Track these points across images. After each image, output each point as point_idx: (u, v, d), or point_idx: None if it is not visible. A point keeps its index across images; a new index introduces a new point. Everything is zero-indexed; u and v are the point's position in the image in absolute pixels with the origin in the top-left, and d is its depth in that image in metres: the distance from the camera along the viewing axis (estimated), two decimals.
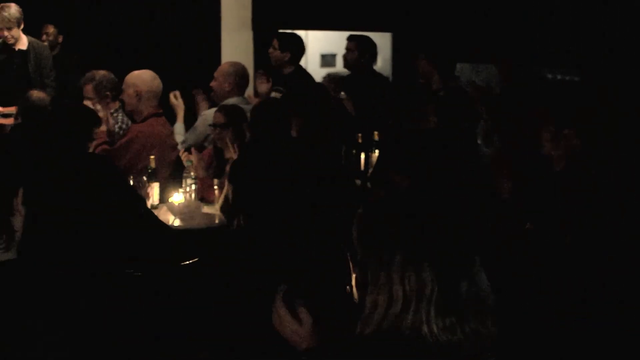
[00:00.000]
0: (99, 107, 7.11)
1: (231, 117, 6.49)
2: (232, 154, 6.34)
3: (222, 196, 6.06)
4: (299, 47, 8.35)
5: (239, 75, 7.62)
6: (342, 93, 7.80)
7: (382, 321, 2.26)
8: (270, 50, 8.27)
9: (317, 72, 10.31)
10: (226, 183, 5.93)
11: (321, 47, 12.39)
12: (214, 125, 6.58)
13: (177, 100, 7.56)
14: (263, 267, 4.36)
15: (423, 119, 5.89)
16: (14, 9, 8.54)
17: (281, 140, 5.68)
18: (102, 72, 7.23)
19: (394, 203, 2.45)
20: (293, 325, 2.50)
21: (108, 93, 7.22)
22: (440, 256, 2.26)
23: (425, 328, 2.22)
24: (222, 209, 6.01)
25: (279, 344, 2.56)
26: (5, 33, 8.54)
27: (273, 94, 7.80)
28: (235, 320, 4.41)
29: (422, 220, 2.33)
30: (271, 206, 5.00)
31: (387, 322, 2.25)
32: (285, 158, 5.43)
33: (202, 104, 7.85)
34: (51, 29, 9.66)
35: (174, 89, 7.62)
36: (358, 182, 6.64)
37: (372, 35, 8.94)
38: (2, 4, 8.53)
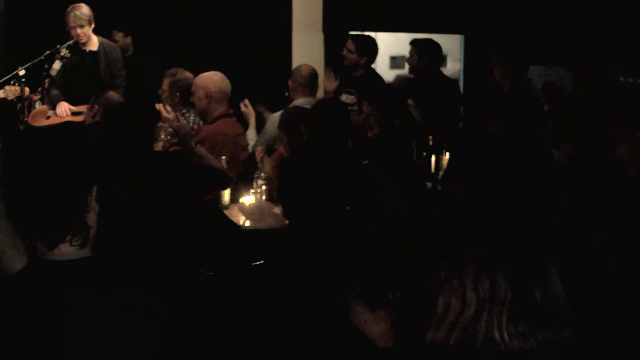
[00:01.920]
0: (168, 107, 7.21)
1: (283, 119, 6.47)
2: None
3: None
4: (375, 51, 8.36)
5: (305, 77, 7.64)
6: (410, 101, 7.75)
7: (454, 325, 2.24)
8: (345, 52, 8.26)
9: (386, 74, 10.29)
10: None
11: (390, 49, 12.37)
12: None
13: (247, 109, 7.63)
14: (334, 267, 4.36)
15: (488, 123, 5.83)
16: (84, 8, 8.68)
17: (339, 141, 5.68)
18: (185, 74, 7.41)
19: (468, 208, 2.45)
20: (372, 324, 2.50)
21: (177, 94, 7.37)
22: (515, 263, 2.24)
23: (497, 335, 2.20)
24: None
25: (352, 341, 2.57)
26: (78, 31, 8.65)
27: (344, 96, 7.82)
28: (306, 319, 4.42)
29: (496, 226, 2.31)
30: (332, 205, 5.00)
31: (460, 327, 2.24)
32: (345, 159, 5.44)
33: (266, 114, 7.89)
34: (119, 34, 9.75)
35: (245, 91, 7.68)
36: (429, 184, 6.62)
37: (444, 37, 8.89)
38: (72, 5, 8.68)
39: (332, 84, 8.17)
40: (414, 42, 8.58)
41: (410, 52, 8.51)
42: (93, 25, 8.76)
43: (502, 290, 2.21)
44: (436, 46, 8.54)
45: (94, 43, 8.84)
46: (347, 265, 3.57)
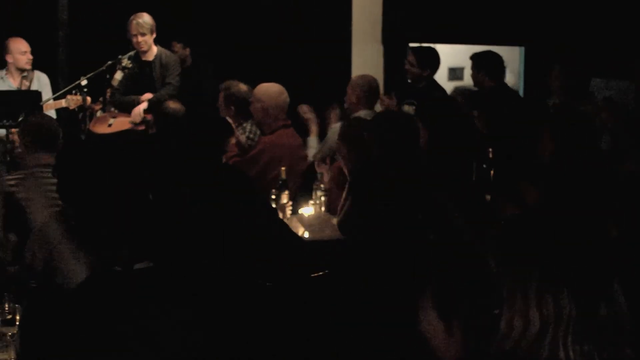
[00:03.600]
0: (228, 119, 7.27)
1: (344, 131, 6.44)
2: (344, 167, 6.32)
3: (341, 211, 6.04)
4: (437, 62, 8.34)
5: (368, 89, 7.62)
6: (475, 112, 7.69)
7: (518, 343, 2.23)
8: (407, 65, 8.25)
9: (445, 86, 10.24)
10: (343, 197, 5.95)
11: (449, 61, 12.29)
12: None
13: (308, 115, 7.61)
14: (398, 279, 4.35)
15: (543, 139, 5.77)
16: (147, 17, 8.79)
17: (406, 153, 5.66)
18: (240, 87, 7.41)
19: (531, 223, 2.43)
20: (443, 336, 2.49)
21: (232, 107, 7.38)
22: (579, 281, 2.22)
23: (562, 354, 2.19)
24: (340, 224, 5.95)
25: (416, 354, 2.56)
26: (139, 38, 8.75)
27: (405, 107, 7.80)
28: (368, 331, 4.41)
29: (560, 243, 2.30)
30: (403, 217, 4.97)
31: (524, 345, 2.22)
32: (411, 171, 5.41)
33: (334, 119, 7.84)
34: (177, 45, 9.82)
35: (305, 102, 7.67)
36: (488, 197, 6.58)
37: (503, 49, 8.83)
38: (135, 14, 8.79)
39: (391, 103, 8.13)
40: (472, 57, 8.52)
41: (472, 66, 8.45)
42: (154, 35, 8.85)
43: (567, 308, 2.20)
44: (495, 58, 8.42)
45: (154, 53, 8.93)
46: (418, 274, 3.57)
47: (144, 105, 8.64)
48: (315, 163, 6.94)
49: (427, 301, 2.51)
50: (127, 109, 8.82)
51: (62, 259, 4.47)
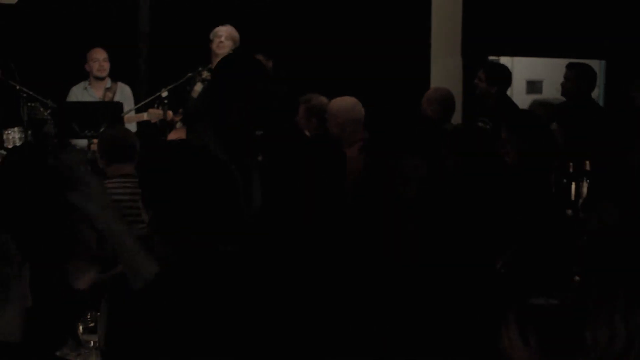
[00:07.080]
0: (307, 132, 7.29)
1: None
2: None
3: None
4: (506, 80, 8.30)
5: (443, 102, 7.60)
6: (554, 124, 7.63)
7: (603, 357, 2.20)
8: (477, 81, 8.24)
9: (523, 99, 10.20)
10: None
11: (527, 74, 12.22)
12: None
13: None
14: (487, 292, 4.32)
15: (631, 150, 5.70)
16: (231, 27, 8.84)
17: (488, 168, 5.62)
18: (319, 99, 7.44)
19: (618, 238, 2.40)
20: (522, 351, 2.46)
21: (314, 119, 7.40)
22: None
23: None
24: None
25: None
26: (224, 43, 8.77)
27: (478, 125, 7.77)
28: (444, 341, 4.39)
29: None
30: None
31: (609, 359, 2.20)
32: (498, 186, 5.38)
33: None
34: (260, 58, 9.81)
35: (383, 115, 7.68)
36: (569, 212, 6.51)
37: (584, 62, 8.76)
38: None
39: None
40: (571, 66, 8.45)
41: (567, 76, 8.38)
42: (237, 45, 8.90)
43: None
44: (593, 72, 8.40)
45: None
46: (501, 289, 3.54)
47: None
48: None
49: (510, 317, 2.49)
50: None
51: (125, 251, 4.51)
